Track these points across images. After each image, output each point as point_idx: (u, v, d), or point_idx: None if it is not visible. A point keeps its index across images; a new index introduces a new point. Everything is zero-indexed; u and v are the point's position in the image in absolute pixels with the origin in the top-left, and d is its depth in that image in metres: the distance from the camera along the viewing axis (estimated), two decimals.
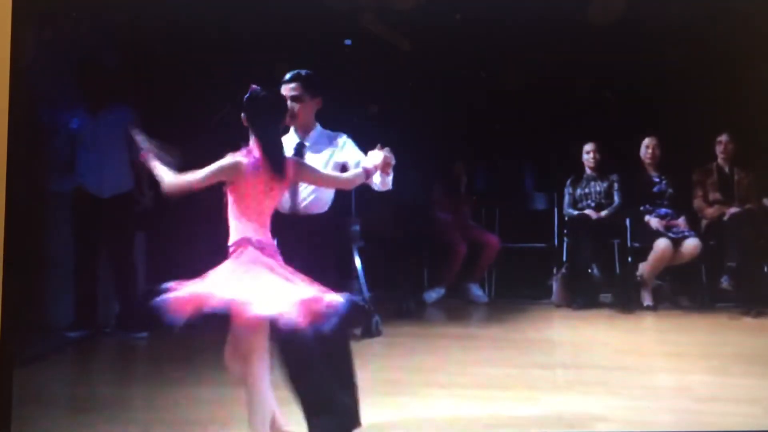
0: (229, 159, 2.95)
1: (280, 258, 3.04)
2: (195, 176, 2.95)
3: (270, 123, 3.10)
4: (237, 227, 2.98)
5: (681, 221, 5.33)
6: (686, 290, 5.33)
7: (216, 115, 4.44)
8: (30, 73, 4.09)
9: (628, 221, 5.40)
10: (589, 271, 5.35)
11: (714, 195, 5.32)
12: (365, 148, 3.45)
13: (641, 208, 5.39)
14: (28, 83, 4.08)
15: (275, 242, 3.07)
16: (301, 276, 3.04)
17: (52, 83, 4.51)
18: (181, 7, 4.54)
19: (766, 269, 5.16)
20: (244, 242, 2.98)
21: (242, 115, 3.08)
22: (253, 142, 3.00)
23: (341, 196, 4.34)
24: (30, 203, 3.96)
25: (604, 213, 5.39)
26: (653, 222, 5.29)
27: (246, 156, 2.95)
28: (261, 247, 2.99)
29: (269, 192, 3.00)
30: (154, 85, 4.66)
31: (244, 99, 3.11)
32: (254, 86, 3.14)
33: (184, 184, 2.94)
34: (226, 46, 4.74)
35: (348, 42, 4.99)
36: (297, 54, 4.53)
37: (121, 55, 4.75)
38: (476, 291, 5.41)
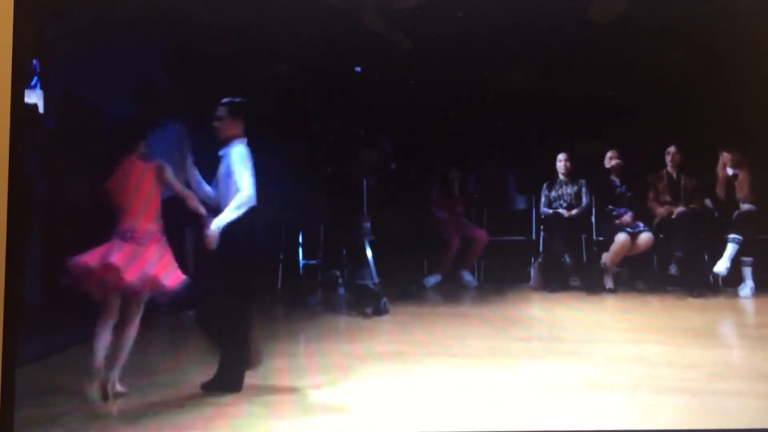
0: None
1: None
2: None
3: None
4: None
5: (628, 217, 5.31)
6: (641, 276, 5.30)
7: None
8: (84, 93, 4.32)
9: (593, 219, 5.43)
10: (562, 260, 5.38)
11: (664, 197, 5.32)
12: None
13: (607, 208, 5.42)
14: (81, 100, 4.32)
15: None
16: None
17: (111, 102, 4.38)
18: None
19: (706, 258, 5.18)
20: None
21: None
22: None
23: (356, 197, 4.72)
24: (32, 203, 3.92)
25: (574, 212, 5.41)
26: (618, 218, 5.33)
27: None
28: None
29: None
30: (200, 104, 4.48)
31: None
32: None
33: None
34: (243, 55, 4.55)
35: (358, 69, 4.81)
36: (300, 56, 4.55)
37: (171, 78, 4.57)
38: (468, 277, 5.38)
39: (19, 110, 3.49)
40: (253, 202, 3.77)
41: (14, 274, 3.42)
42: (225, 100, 3.88)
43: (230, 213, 3.77)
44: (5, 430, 3.32)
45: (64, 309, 4.16)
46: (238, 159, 3.83)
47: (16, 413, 3.38)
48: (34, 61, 4.23)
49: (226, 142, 3.88)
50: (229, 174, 3.83)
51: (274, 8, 4.25)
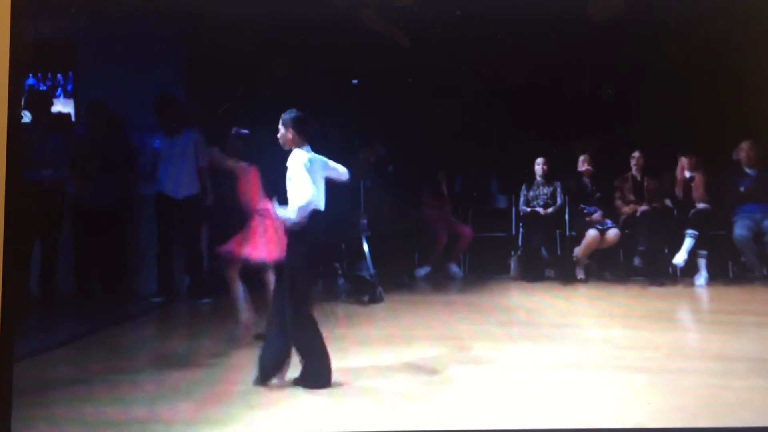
0: None
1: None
2: None
3: None
4: None
5: (598, 215, 5.32)
6: (609, 267, 5.35)
7: (219, 111, 4.44)
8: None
9: (566, 216, 5.46)
10: (538, 253, 5.40)
11: (629, 197, 5.36)
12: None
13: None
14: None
15: None
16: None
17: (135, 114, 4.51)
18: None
19: (666, 251, 5.23)
20: None
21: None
22: None
23: (354, 197, 4.70)
24: (31, 200, 3.74)
25: (549, 210, 5.43)
26: (588, 215, 5.34)
27: None
28: None
29: None
30: (216, 114, 4.48)
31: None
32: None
33: None
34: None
35: (355, 82, 4.78)
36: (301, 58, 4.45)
37: (189, 90, 4.64)
38: (454, 268, 5.39)
39: (16, 109, 3.31)
40: (310, 206, 3.64)
41: (11, 271, 3.26)
42: (284, 115, 3.79)
43: (287, 212, 3.71)
44: (3, 427, 3.17)
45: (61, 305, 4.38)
46: (292, 166, 3.75)
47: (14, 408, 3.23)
48: (59, 75, 4.31)
49: (288, 150, 3.82)
50: (288, 180, 3.78)
51: (274, 8, 4.17)
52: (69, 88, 4.50)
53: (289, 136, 3.72)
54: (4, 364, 3.22)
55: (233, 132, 4.04)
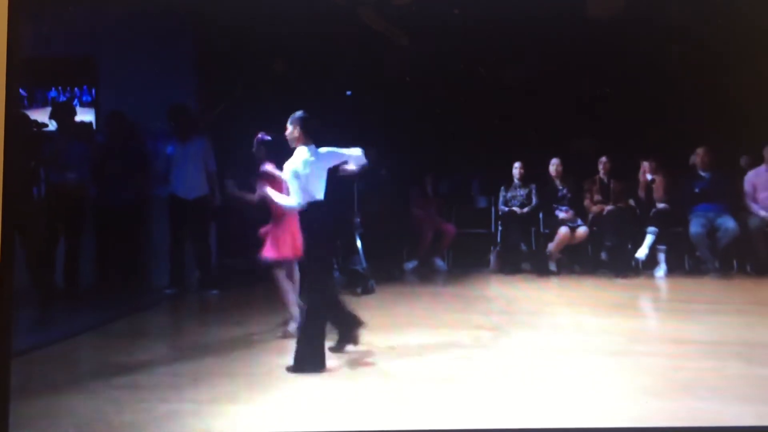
0: None
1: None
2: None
3: None
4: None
5: (569, 214, 5.33)
6: (578, 261, 5.36)
7: (214, 112, 4.65)
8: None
9: (541, 215, 5.47)
10: (515, 248, 5.41)
11: (597, 197, 5.38)
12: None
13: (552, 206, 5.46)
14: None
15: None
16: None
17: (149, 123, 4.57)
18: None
19: (630, 247, 5.27)
20: None
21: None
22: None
23: (348, 197, 4.70)
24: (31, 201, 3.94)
25: (525, 210, 5.44)
26: (559, 214, 5.34)
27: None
28: None
29: None
30: (223, 122, 4.64)
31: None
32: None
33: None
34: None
35: (349, 93, 4.75)
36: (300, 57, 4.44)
37: (199, 100, 4.67)
38: (439, 262, 5.43)
39: (15, 108, 3.24)
40: (298, 201, 3.77)
41: (7, 268, 3.15)
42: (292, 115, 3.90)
43: (281, 197, 3.91)
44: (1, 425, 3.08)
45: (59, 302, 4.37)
46: (286, 168, 3.85)
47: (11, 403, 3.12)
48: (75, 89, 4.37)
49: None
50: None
51: (273, 9, 4.14)
52: (84, 99, 4.58)
53: (296, 134, 3.83)
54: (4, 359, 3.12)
55: (258, 138, 4.05)
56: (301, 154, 3.84)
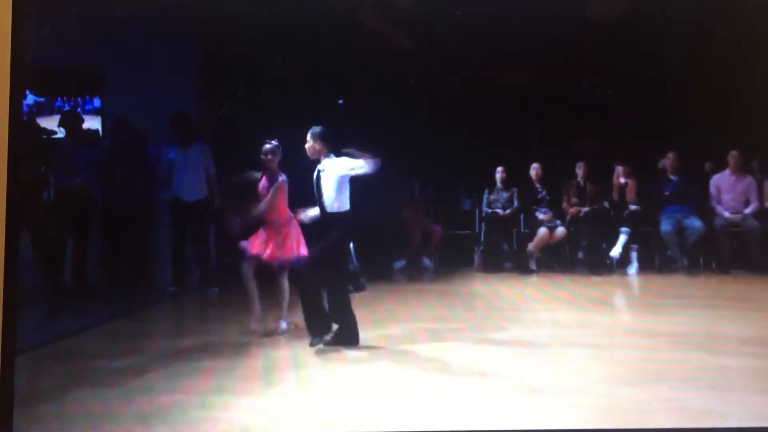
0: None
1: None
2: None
3: None
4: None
5: (548, 215, 5.39)
6: (557, 259, 5.43)
7: (216, 115, 4.66)
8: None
9: (522, 217, 5.54)
10: (498, 248, 5.46)
11: (574, 200, 5.46)
12: None
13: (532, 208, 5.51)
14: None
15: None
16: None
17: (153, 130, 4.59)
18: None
19: (604, 246, 5.37)
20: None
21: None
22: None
23: None
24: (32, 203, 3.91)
25: (507, 212, 5.50)
26: (539, 215, 5.41)
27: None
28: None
29: None
30: (223, 129, 4.65)
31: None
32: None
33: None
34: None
35: (341, 102, 4.77)
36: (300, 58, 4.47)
37: (201, 108, 4.69)
38: (427, 262, 5.49)
39: (18, 112, 3.13)
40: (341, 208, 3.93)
41: (12, 266, 3.08)
42: (312, 129, 3.95)
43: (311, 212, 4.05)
44: (4, 423, 3.04)
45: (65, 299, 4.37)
46: (317, 174, 3.96)
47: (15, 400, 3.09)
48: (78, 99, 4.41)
49: (315, 160, 4.01)
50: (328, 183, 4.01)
51: (273, 9, 4.13)
52: (88, 107, 4.61)
53: (317, 147, 3.91)
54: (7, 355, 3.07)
55: (268, 147, 4.08)
56: (334, 164, 3.91)
